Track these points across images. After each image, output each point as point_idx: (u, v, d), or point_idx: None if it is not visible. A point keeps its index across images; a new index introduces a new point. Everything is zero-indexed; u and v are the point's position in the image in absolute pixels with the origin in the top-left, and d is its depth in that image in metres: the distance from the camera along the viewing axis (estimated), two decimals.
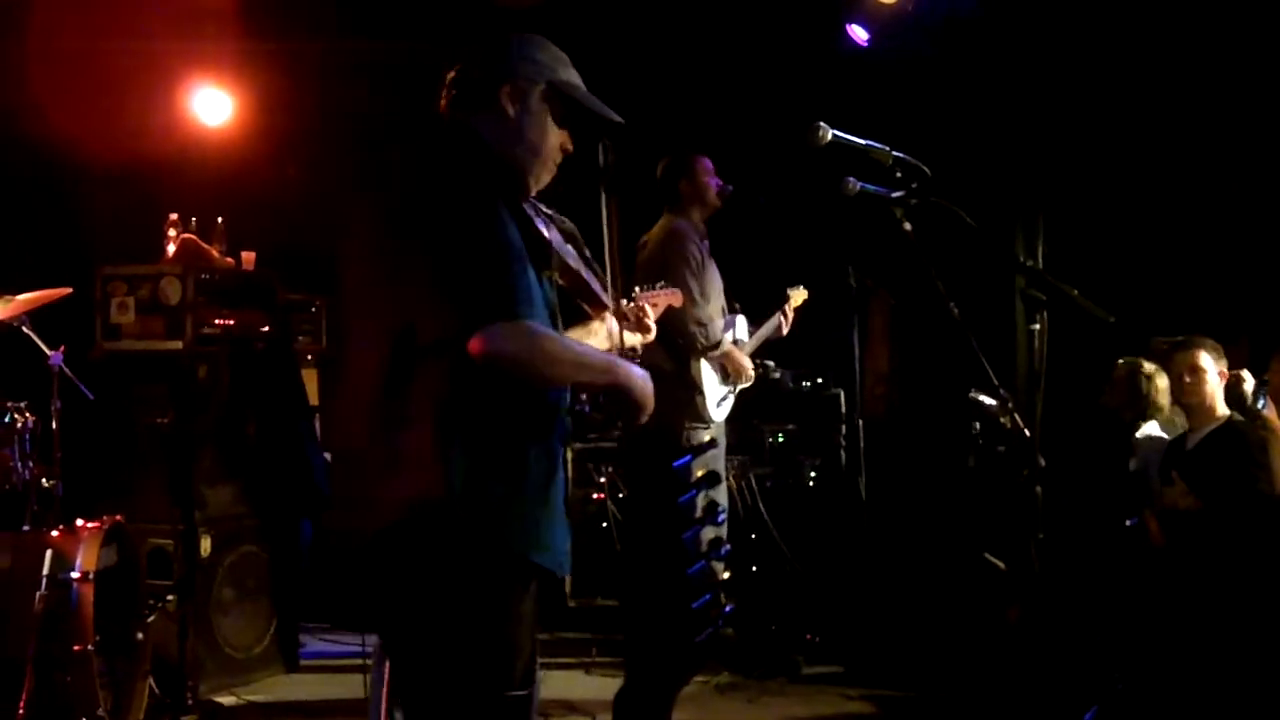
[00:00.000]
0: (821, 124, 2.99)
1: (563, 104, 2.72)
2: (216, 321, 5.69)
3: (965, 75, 7.00)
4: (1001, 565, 5.60)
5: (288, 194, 7.42)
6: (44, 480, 4.74)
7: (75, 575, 4.42)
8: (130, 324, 5.66)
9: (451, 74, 2.75)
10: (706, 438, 4.79)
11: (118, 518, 4.75)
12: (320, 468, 6.10)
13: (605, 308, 2.97)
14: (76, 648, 4.38)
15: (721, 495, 4.81)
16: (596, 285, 2.97)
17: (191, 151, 6.93)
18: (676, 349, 4.70)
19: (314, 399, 6.47)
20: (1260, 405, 5.54)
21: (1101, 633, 4.82)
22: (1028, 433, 3.13)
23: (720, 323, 4.98)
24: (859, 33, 6.88)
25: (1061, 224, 7.05)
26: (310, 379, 6.50)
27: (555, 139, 2.73)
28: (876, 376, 7.87)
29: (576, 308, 3.03)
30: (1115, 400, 5.62)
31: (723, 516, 4.79)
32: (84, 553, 4.47)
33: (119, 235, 6.34)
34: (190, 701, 5.30)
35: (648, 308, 3.28)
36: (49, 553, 4.42)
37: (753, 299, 5.51)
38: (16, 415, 4.69)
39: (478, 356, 2.40)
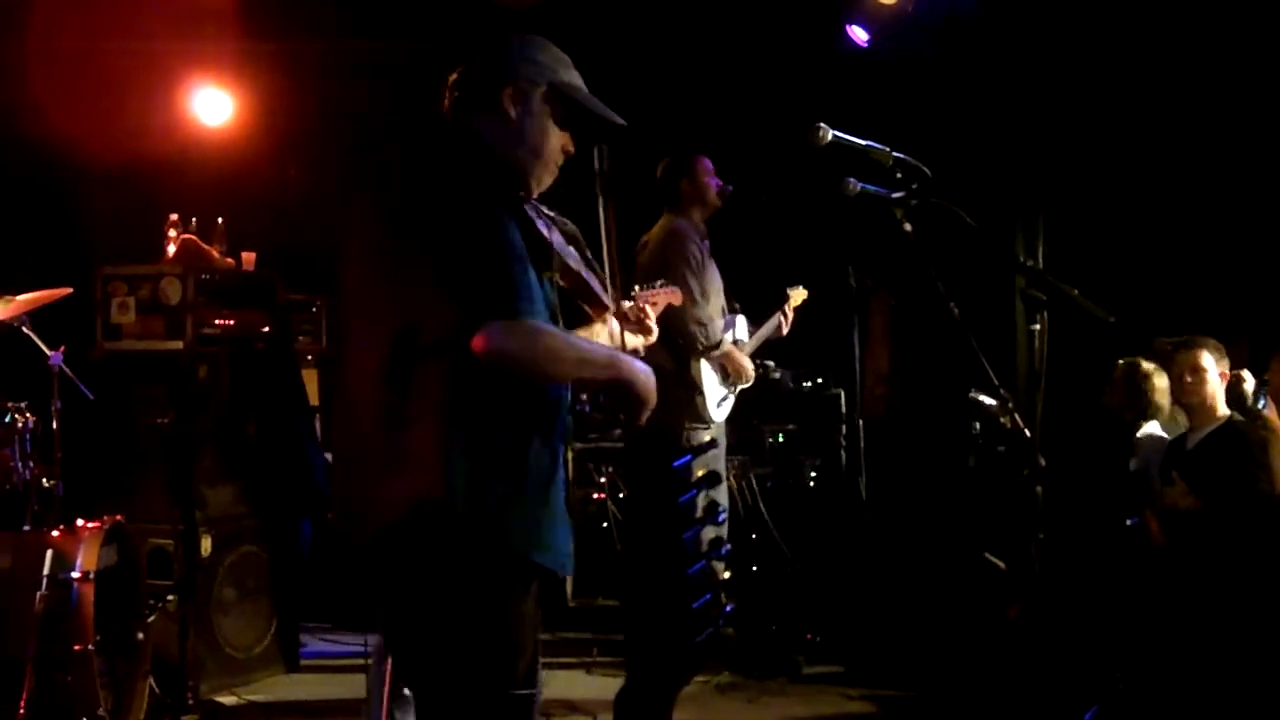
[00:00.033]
0: (822, 124, 2.99)
1: (564, 106, 2.72)
2: (217, 322, 5.69)
3: (965, 75, 7.00)
4: (1002, 565, 5.60)
5: (288, 194, 7.43)
6: (44, 480, 4.74)
7: (76, 575, 4.42)
8: (130, 324, 5.66)
9: (454, 76, 2.75)
10: (707, 438, 4.79)
11: (118, 518, 4.75)
12: (320, 468, 6.10)
13: (607, 309, 2.97)
14: (77, 647, 4.38)
15: (722, 495, 4.81)
16: (598, 287, 2.98)
17: (192, 152, 6.94)
18: (677, 349, 4.70)
19: (314, 399, 6.47)
20: (1261, 405, 5.54)
21: (1102, 632, 4.82)
22: (1028, 433, 3.13)
23: (720, 323, 4.98)
24: (859, 33, 6.88)
25: (1061, 224, 7.06)
26: (310, 379, 6.51)
27: (557, 141, 2.73)
28: (877, 376, 7.87)
29: (578, 309, 3.03)
30: (1115, 400, 5.62)
31: (723, 516, 4.79)
32: (84, 553, 4.47)
33: (119, 235, 6.34)
34: (191, 701, 5.30)
35: (649, 309, 3.28)
36: (49, 553, 4.42)
37: (753, 299, 5.51)
38: (17, 415, 4.69)
39: (481, 355, 2.40)
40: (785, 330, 5.61)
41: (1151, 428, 5.49)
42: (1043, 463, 3.10)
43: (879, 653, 5.97)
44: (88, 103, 6.14)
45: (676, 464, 4.67)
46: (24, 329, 4.83)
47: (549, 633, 2.63)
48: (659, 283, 3.96)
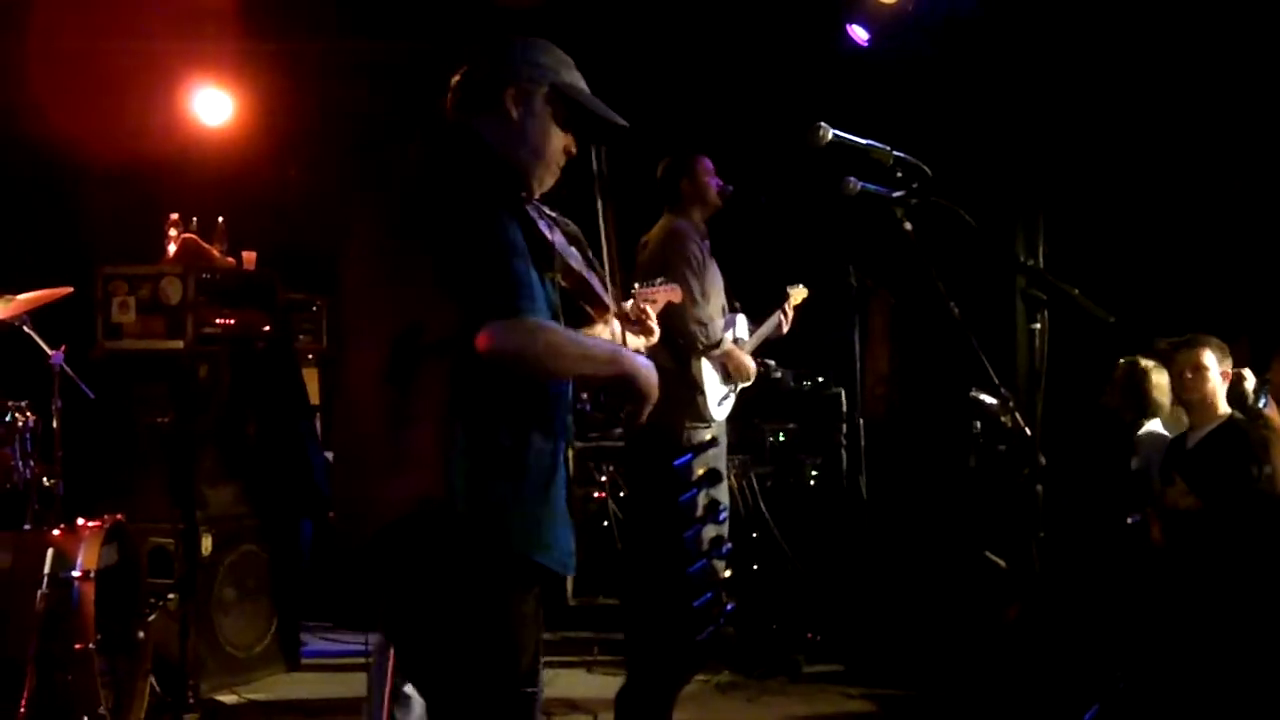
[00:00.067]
0: (822, 124, 2.99)
1: (566, 107, 2.73)
2: (217, 321, 5.69)
3: (965, 75, 7.00)
4: (1002, 564, 5.60)
5: (288, 194, 7.43)
6: (45, 479, 4.74)
7: (76, 574, 4.43)
8: (131, 323, 5.66)
9: (456, 77, 2.75)
10: (707, 436, 4.79)
11: (119, 517, 4.76)
12: (321, 467, 6.11)
13: (608, 309, 2.98)
14: (78, 646, 4.38)
15: (723, 494, 4.81)
16: (599, 287, 2.98)
17: (192, 151, 6.94)
18: (678, 348, 4.70)
19: (314, 399, 6.48)
20: (1262, 404, 5.55)
21: (1103, 631, 4.82)
22: (1028, 432, 3.14)
23: (721, 322, 4.98)
24: (859, 33, 6.88)
25: (1062, 223, 7.06)
26: (311, 378, 6.51)
27: (559, 142, 2.74)
28: (877, 376, 7.87)
29: (579, 310, 3.03)
30: (1115, 400, 5.62)
31: (724, 515, 4.79)
32: (85, 552, 4.47)
33: (120, 235, 6.34)
34: (191, 700, 5.30)
35: (649, 309, 3.29)
36: (50, 552, 4.42)
37: (754, 299, 5.51)
38: (17, 414, 4.69)
39: (483, 353, 2.41)
40: (785, 329, 5.60)
41: (1153, 426, 5.49)
42: (1043, 462, 3.10)
43: (879, 652, 5.98)
44: (88, 103, 6.14)
45: (677, 463, 4.67)
46: (25, 328, 4.83)
47: (550, 632, 2.63)
48: (658, 280, 3.96)
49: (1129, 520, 5.19)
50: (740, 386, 5.13)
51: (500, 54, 2.73)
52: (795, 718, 5.50)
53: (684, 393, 4.76)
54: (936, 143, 3.98)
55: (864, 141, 3.04)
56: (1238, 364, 5.41)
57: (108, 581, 4.58)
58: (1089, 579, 5.10)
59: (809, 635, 6.22)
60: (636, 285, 3.82)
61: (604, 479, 6.85)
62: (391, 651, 3.70)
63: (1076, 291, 3.14)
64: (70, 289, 4.91)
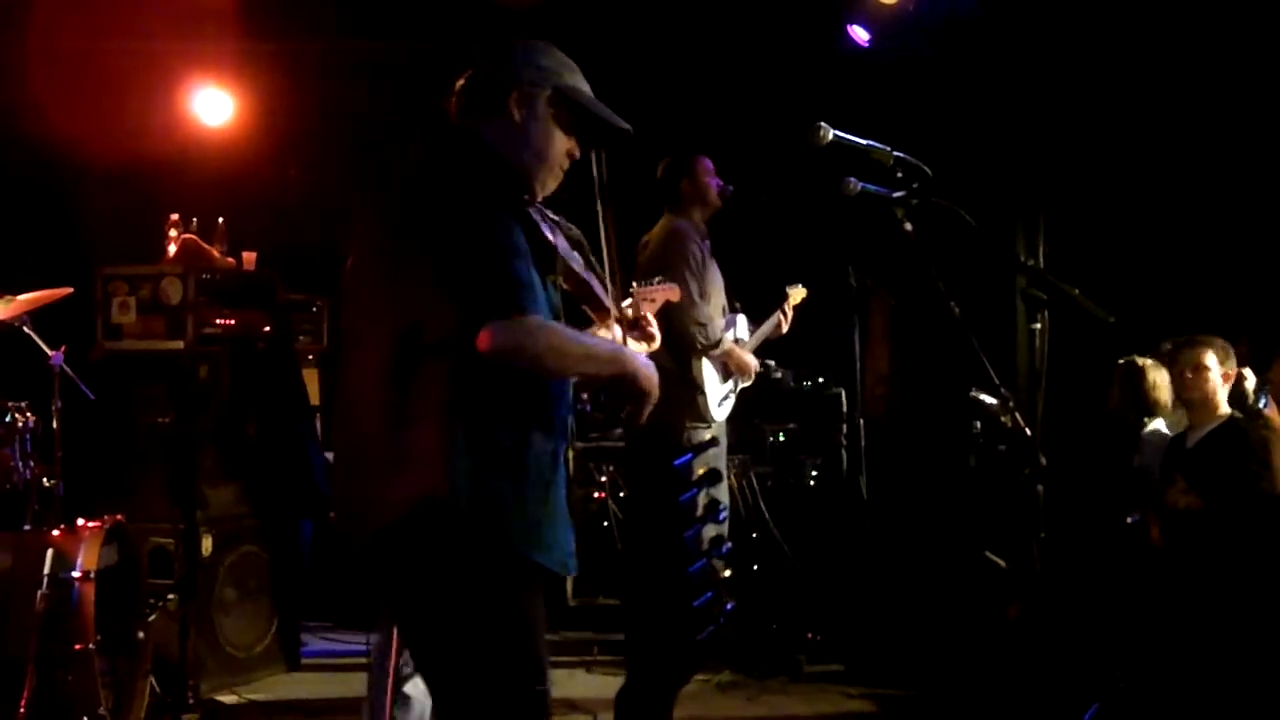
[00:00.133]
0: (822, 124, 2.99)
1: (569, 110, 2.74)
2: (217, 321, 5.69)
3: (965, 75, 7.00)
4: (1002, 564, 5.60)
5: (288, 194, 7.43)
6: (45, 480, 4.74)
7: (76, 574, 4.43)
8: (131, 324, 5.66)
9: (460, 80, 2.76)
10: (707, 436, 4.80)
11: (119, 517, 4.75)
12: (321, 467, 6.11)
13: (609, 313, 2.99)
14: (78, 647, 4.38)
15: (723, 493, 4.81)
16: (601, 291, 2.99)
17: (192, 152, 6.93)
18: (678, 348, 4.70)
19: (315, 399, 6.48)
20: (1262, 404, 5.55)
21: (1103, 631, 4.82)
22: (1029, 432, 3.14)
23: (721, 322, 4.98)
24: (860, 33, 6.88)
25: (1062, 223, 7.06)
26: (311, 379, 6.51)
27: (562, 145, 2.74)
28: (877, 376, 7.88)
29: (580, 313, 3.04)
30: (1117, 401, 5.63)
31: (724, 515, 4.80)
32: (85, 552, 4.47)
33: (120, 235, 6.34)
34: (191, 700, 5.30)
35: (650, 316, 3.29)
36: (50, 552, 4.42)
37: (754, 299, 5.52)
38: (17, 415, 4.69)
39: (485, 352, 2.41)
40: (785, 328, 5.61)
41: (1158, 425, 5.49)
42: (1044, 462, 3.10)
43: (880, 652, 5.97)
44: (88, 103, 6.13)
45: (677, 462, 4.67)
46: (25, 329, 4.83)
47: (550, 632, 2.64)
48: (656, 279, 3.96)
49: (1129, 520, 5.19)
50: (740, 386, 5.14)
51: (503, 57, 2.73)
52: (795, 717, 5.50)
53: (684, 393, 4.76)
54: (936, 143, 3.98)
55: (864, 142, 3.04)
56: (1238, 364, 5.41)
57: (108, 582, 4.58)
58: (1089, 579, 5.10)
59: (809, 635, 6.22)
60: (635, 284, 3.83)
61: (604, 479, 6.85)
62: (393, 652, 3.71)
63: (1077, 291, 3.14)
64: (70, 289, 4.91)
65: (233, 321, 5.75)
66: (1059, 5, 6.84)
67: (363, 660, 4.42)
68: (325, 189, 7.09)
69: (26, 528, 4.62)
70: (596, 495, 6.84)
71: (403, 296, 2.52)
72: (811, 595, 6.44)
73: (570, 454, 2.69)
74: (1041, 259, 7.04)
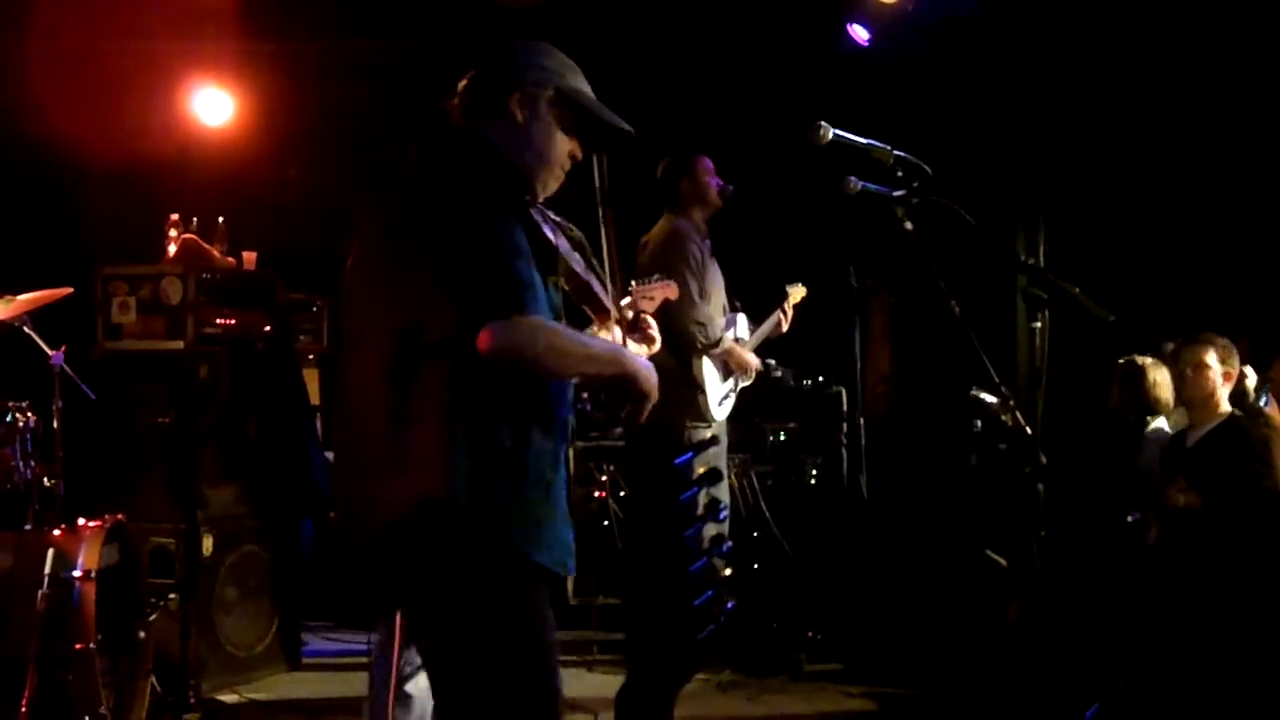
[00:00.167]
0: (822, 123, 2.99)
1: (571, 111, 2.74)
2: (218, 321, 5.69)
3: (965, 75, 7.00)
4: (1003, 563, 5.61)
5: (288, 194, 7.42)
6: (46, 480, 4.74)
7: (77, 574, 4.42)
8: (131, 324, 5.66)
9: (463, 81, 2.76)
10: (708, 435, 4.80)
11: (119, 517, 4.75)
12: (321, 467, 6.11)
13: (609, 315, 2.99)
14: (78, 646, 4.38)
15: (723, 492, 4.81)
16: (602, 293, 2.99)
17: (192, 151, 6.94)
18: (678, 348, 4.71)
19: (315, 399, 6.48)
20: (1263, 403, 5.55)
21: (1103, 630, 4.82)
22: (1029, 430, 3.14)
23: (721, 321, 4.98)
24: (860, 32, 6.88)
25: (1063, 222, 7.06)
26: (311, 379, 6.51)
27: (564, 146, 2.75)
28: (878, 375, 7.88)
29: (580, 314, 3.04)
30: (1117, 400, 5.63)
31: (724, 514, 4.80)
32: (86, 552, 4.47)
33: (120, 235, 6.34)
34: (192, 700, 5.30)
35: (650, 319, 3.29)
36: (51, 552, 4.42)
37: (754, 298, 5.52)
38: (18, 415, 4.68)
39: (485, 352, 2.41)
40: (785, 328, 5.61)
41: (1160, 424, 5.49)
42: (1044, 460, 3.10)
43: (880, 651, 5.98)
44: (88, 103, 6.13)
45: (678, 461, 4.67)
46: (25, 329, 4.82)
47: None
48: (655, 277, 3.96)
49: (1129, 519, 5.19)
50: (741, 385, 5.14)
51: (505, 59, 2.74)
52: (796, 716, 5.50)
53: (685, 392, 4.76)
54: (937, 142, 3.98)
55: (864, 141, 3.04)
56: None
57: (108, 581, 4.58)
58: (1090, 578, 5.10)
59: (810, 634, 6.22)
60: (634, 283, 3.82)
61: (604, 478, 6.85)
62: (395, 651, 3.70)
63: (1077, 290, 3.14)
64: (70, 289, 4.91)
65: (233, 321, 5.76)
66: (1059, 5, 6.84)
67: (363, 660, 4.43)
68: (325, 189, 7.09)
69: (27, 527, 4.62)
70: (597, 494, 6.83)
71: (403, 296, 2.52)
72: (812, 594, 6.44)
73: (570, 453, 2.69)
74: (1042, 258, 7.04)
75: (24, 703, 4.28)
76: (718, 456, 4.83)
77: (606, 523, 6.73)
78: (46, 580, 4.38)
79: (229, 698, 5.58)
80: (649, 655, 4.65)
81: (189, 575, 5.46)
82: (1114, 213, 7.00)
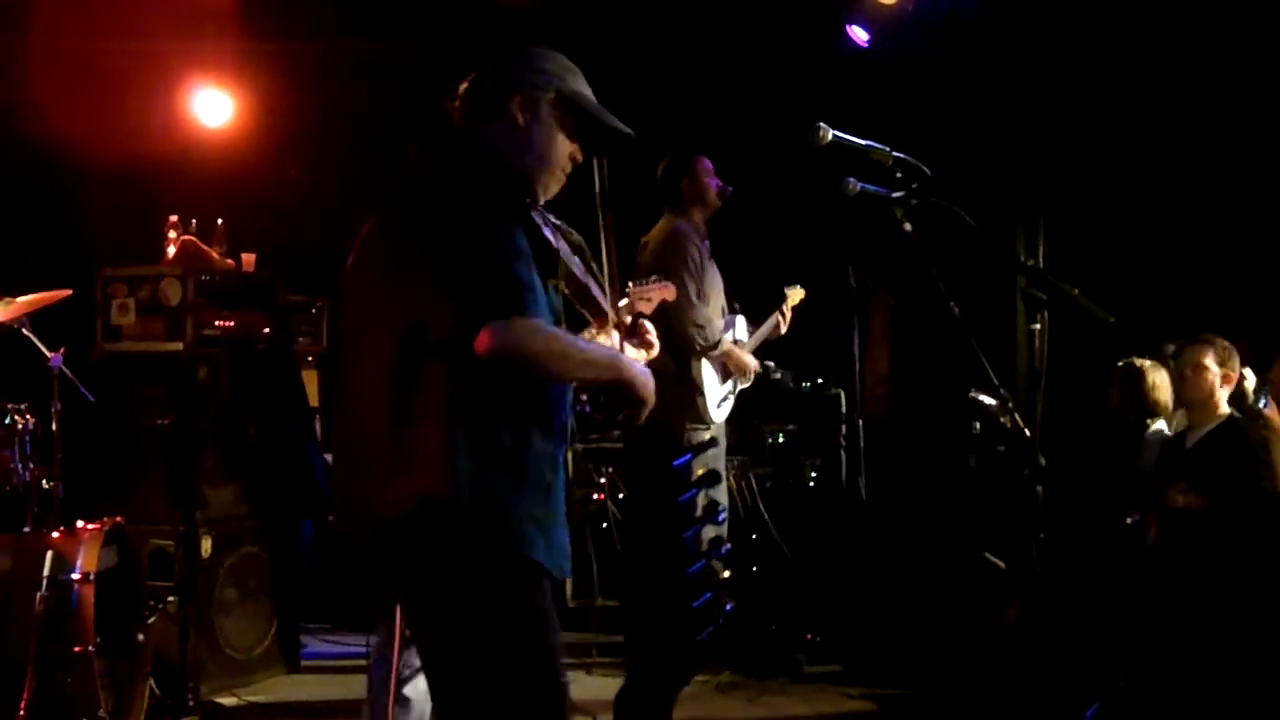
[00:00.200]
0: (822, 124, 2.99)
1: (572, 114, 2.75)
2: (217, 323, 5.69)
3: (965, 75, 7.00)
4: (1002, 565, 5.60)
5: (288, 195, 7.42)
6: (44, 482, 4.74)
7: (76, 576, 4.42)
8: (131, 325, 5.66)
9: (464, 84, 2.77)
10: (707, 437, 4.79)
11: (118, 519, 4.75)
12: (321, 468, 6.10)
13: (608, 319, 2.99)
14: (77, 649, 4.38)
15: (722, 494, 4.81)
16: (601, 296, 2.99)
17: (192, 152, 6.93)
18: (677, 349, 4.70)
19: (314, 400, 6.48)
20: (1262, 404, 5.54)
21: (1103, 631, 4.82)
22: (1028, 432, 3.14)
23: (720, 323, 4.97)
24: (859, 33, 6.88)
25: (1062, 223, 7.05)
26: (310, 380, 6.51)
27: (565, 149, 2.75)
28: (877, 377, 7.87)
29: (579, 316, 3.04)
30: (1116, 402, 5.62)
31: (723, 516, 4.79)
32: (85, 554, 4.47)
33: (119, 236, 6.34)
34: (191, 702, 5.30)
35: (649, 324, 3.29)
36: (49, 554, 4.42)
37: (754, 300, 5.51)
38: (17, 417, 4.68)
39: (485, 353, 2.42)
40: (783, 330, 5.61)
41: (1160, 426, 5.49)
42: (1043, 462, 3.10)
43: (879, 652, 5.97)
44: (88, 103, 6.13)
45: (676, 463, 4.67)
46: (24, 331, 4.82)
47: None
48: (652, 278, 3.96)
49: (1128, 520, 5.19)
50: (740, 387, 5.13)
51: (507, 62, 2.75)
52: (795, 718, 5.50)
53: (683, 394, 4.76)
54: (936, 143, 3.98)
55: (863, 142, 3.04)
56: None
57: (107, 584, 4.58)
58: (1089, 579, 5.10)
59: (809, 636, 6.22)
60: (630, 284, 3.82)
61: (604, 480, 6.85)
62: (394, 654, 3.70)
63: (1076, 292, 3.14)
64: (69, 291, 4.91)
65: (232, 323, 5.75)
66: (1059, 5, 6.84)
67: (362, 662, 4.42)
68: (325, 190, 7.09)
69: (26, 530, 4.62)
70: (596, 496, 6.83)
71: (405, 296, 2.52)
72: (811, 596, 6.44)
73: (570, 455, 2.69)
74: (1041, 259, 7.04)
75: (22, 705, 4.28)
76: (716, 458, 4.83)
77: (605, 525, 6.72)
78: (45, 582, 4.37)
79: (228, 700, 5.58)
80: (648, 657, 4.65)
81: (188, 577, 5.46)
82: (1114, 214, 7.00)
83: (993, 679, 5.06)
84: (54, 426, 4.80)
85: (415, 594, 2.56)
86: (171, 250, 5.76)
